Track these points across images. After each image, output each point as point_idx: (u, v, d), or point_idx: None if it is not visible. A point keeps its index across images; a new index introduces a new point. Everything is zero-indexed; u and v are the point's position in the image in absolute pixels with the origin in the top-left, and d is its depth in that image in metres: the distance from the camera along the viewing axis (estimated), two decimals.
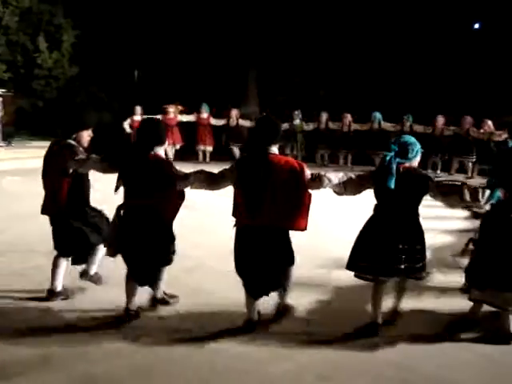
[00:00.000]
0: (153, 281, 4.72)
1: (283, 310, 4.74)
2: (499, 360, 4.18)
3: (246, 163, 4.37)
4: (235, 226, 4.42)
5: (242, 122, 15.56)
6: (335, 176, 4.49)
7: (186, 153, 15.29)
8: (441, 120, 14.05)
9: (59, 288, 5.10)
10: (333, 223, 8.34)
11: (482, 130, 13.09)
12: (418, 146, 4.40)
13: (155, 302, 4.95)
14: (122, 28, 18.37)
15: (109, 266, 5.18)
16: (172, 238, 4.68)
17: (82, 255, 5.12)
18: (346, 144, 15.01)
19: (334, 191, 4.52)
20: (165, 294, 5.00)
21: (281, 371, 3.94)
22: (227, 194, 4.61)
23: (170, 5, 18.23)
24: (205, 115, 15.58)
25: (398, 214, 4.31)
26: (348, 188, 4.47)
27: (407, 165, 4.34)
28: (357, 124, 14.93)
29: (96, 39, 18.33)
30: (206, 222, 8.24)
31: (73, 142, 4.96)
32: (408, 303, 4.88)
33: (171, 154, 14.83)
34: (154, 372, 3.91)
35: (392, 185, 4.17)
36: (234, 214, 4.41)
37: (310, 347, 4.30)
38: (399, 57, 17.95)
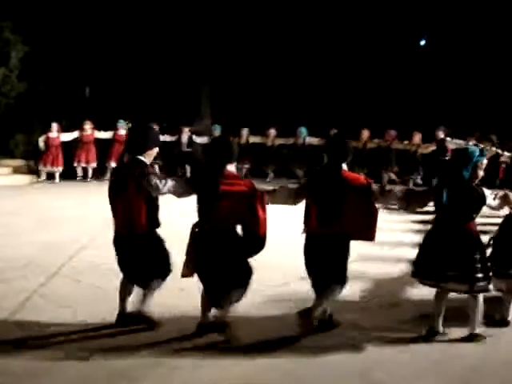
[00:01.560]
0: (225, 302, 4.58)
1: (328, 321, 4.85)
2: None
3: (320, 179, 4.73)
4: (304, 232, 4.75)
5: (195, 138, 15.52)
6: (399, 191, 4.95)
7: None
8: (365, 133, 14.43)
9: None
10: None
11: (406, 142, 13.64)
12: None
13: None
14: (72, 44, 18.09)
15: None
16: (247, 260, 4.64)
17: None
18: (269, 158, 15.10)
19: (399, 205, 4.93)
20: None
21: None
22: None
23: (120, 21, 18.09)
24: (122, 132, 15.12)
25: (453, 225, 4.54)
26: (411, 202, 4.84)
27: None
28: (281, 138, 15.13)
29: (46, 55, 18.00)
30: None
31: (145, 160, 4.78)
32: None
33: (89, 173, 14.70)
34: None
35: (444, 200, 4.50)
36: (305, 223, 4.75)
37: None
38: (344, 72, 18.34)
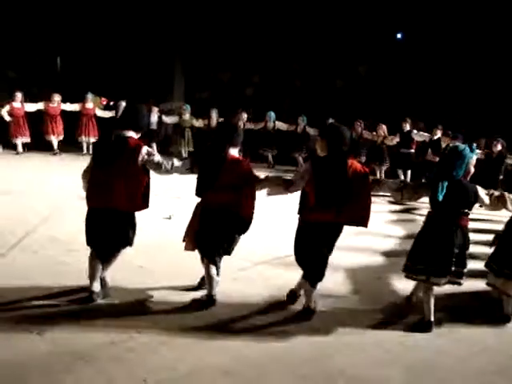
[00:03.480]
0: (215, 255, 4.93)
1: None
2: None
3: (322, 166, 4.77)
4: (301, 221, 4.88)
5: (164, 118, 15.29)
6: (393, 182, 5.17)
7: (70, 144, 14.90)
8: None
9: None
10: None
11: (374, 133, 13.75)
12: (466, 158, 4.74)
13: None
14: (46, 13, 17.73)
15: None
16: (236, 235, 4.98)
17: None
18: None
19: (393, 197, 5.20)
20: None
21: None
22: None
23: None
24: (90, 105, 14.89)
25: (448, 221, 4.69)
26: (405, 195, 4.98)
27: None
28: (251, 123, 15.07)
29: (18, 24, 17.59)
30: None
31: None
32: None
33: (55, 146, 14.48)
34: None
35: (441, 197, 4.62)
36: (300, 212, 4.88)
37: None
38: (313, 61, 18.46)
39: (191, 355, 4.08)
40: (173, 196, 9.56)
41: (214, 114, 14.99)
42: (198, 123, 15.19)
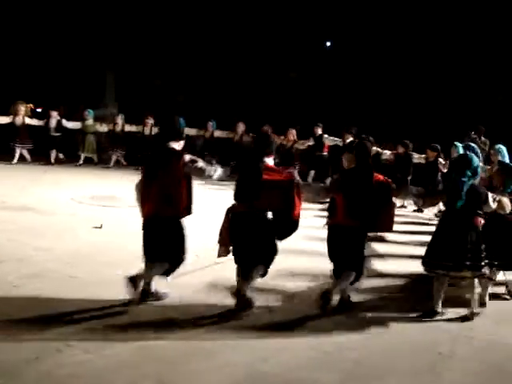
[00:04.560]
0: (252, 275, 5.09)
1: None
2: None
3: (350, 177, 5.26)
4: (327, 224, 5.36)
5: (65, 123, 14.87)
6: (417, 189, 5.61)
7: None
8: (241, 126, 14.78)
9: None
10: None
11: (282, 137, 14.03)
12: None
13: None
14: None
15: None
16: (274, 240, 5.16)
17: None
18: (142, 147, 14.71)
19: (415, 203, 5.84)
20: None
21: None
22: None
23: (26, 1, 17.26)
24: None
25: (463, 221, 5.16)
26: (427, 201, 5.56)
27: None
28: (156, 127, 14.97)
29: None
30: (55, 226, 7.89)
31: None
32: None
33: None
34: None
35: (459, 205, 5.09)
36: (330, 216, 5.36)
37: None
38: (245, 67, 18.69)
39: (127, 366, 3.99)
40: (102, 205, 9.41)
41: (120, 118, 15.01)
42: (102, 128, 15.03)
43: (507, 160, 7.36)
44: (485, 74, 16.41)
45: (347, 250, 5.18)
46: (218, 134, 14.97)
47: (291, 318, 5.03)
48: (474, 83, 16.48)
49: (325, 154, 13.63)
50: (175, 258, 5.11)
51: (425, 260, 5.33)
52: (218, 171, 5.18)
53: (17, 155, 14.32)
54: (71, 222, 8.13)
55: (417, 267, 5.68)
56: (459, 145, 9.70)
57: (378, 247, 6.14)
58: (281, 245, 5.17)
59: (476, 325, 5.15)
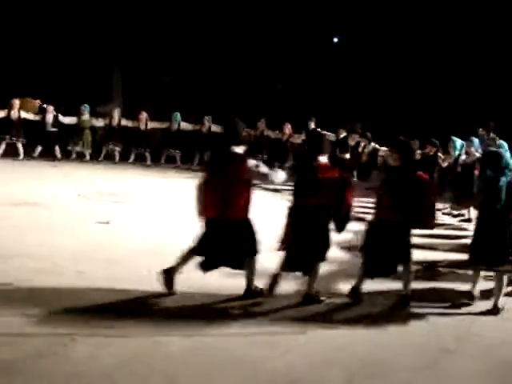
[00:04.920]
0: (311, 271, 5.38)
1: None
2: None
3: (395, 174, 5.44)
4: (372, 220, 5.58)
5: (61, 118, 14.76)
6: (449, 195, 6.03)
7: None
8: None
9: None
10: None
11: (277, 132, 14.71)
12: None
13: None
14: None
15: None
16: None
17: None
18: (138, 141, 15.23)
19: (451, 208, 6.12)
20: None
21: None
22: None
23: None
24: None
25: (501, 217, 5.40)
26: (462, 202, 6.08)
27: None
28: (155, 122, 15.35)
29: None
30: (61, 221, 7.91)
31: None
32: None
33: None
34: None
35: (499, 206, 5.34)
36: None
37: None
38: (253, 65, 18.73)
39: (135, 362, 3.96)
40: (111, 201, 9.42)
41: (117, 112, 15.12)
42: (99, 123, 15.10)
43: (508, 155, 7.35)
44: (492, 69, 16.35)
45: (393, 244, 5.35)
46: (214, 128, 15.11)
47: (300, 314, 5.01)
48: (482, 78, 16.43)
49: None
50: (250, 251, 5.24)
51: (469, 259, 5.62)
52: (280, 175, 5.46)
53: (21, 150, 14.27)
54: (79, 218, 8.13)
55: (421, 257, 5.73)
56: (456, 139, 9.76)
57: None
58: None
59: (485, 322, 5.13)
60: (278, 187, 9.71)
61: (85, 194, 9.89)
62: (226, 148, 5.24)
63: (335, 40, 19.84)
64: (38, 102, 15.83)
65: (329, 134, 13.45)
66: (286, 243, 5.32)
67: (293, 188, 5.41)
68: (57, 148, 14.67)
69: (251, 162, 5.24)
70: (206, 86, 19.08)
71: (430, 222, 5.53)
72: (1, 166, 13.17)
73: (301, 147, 13.87)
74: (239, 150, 5.28)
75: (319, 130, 13.27)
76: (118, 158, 15.13)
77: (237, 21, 17.84)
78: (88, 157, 15.03)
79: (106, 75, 18.64)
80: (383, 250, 5.36)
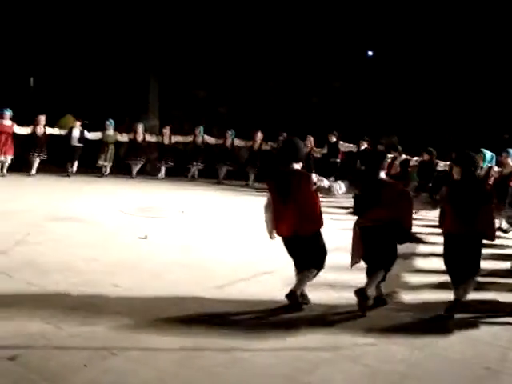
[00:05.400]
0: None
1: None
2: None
3: (458, 188, 5.53)
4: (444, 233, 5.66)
5: (87, 134, 15.01)
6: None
7: None
8: (259, 135, 15.32)
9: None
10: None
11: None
12: None
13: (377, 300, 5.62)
14: (17, 33, 17.62)
15: None
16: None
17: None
18: (162, 156, 15.66)
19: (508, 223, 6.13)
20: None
21: None
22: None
23: (67, 11, 17.66)
24: (8, 122, 14.06)
25: None
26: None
27: None
28: (179, 136, 15.68)
29: None
30: (99, 236, 8.06)
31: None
32: None
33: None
34: None
35: None
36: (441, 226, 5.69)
37: None
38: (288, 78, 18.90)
39: (172, 376, 4.01)
40: (148, 216, 9.56)
41: (140, 127, 15.40)
42: (123, 138, 15.33)
43: None
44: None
45: (463, 256, 5.42)
46: (237, 142, 15.46)
47: (334, 330, 4.97)
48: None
49: (338, 160, 14.16)
50: (319, 263, 5.43)
51: None
52: (342, 188, 5.51)
53: (35, 165, 14.44)
54: (118, 233, 8.29)
55: None
56: (486, 151, 9.75)
57: (423, 248, 6.12)
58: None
59: None
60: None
61: (125, 210, 10.06)
62: (287, 165, 5.41)
63: (369, 53, 19.81)
64: (79, 121, 16.09)
65: (351, 145, 13.58)
66: (357, 259, 5.54)
67: (355, 204, 5.65)
68: (75, 163, 14.82)
69: (315, 178, 5.34)
70: (241, 101, 19.23)
71: (492, 234, 5.54)
72: (38, 181, 13.54)
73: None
74: (298, 166, 5.43)
75: (342, 142, 13.66)
76: (136, 171, 15.31)
77: (272, 36, 17.95)
78: (108, 171, 15.18)
79: (143, 90, 18.91)
80: (458, 262, 5.44)
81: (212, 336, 4.66)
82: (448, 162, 11.17)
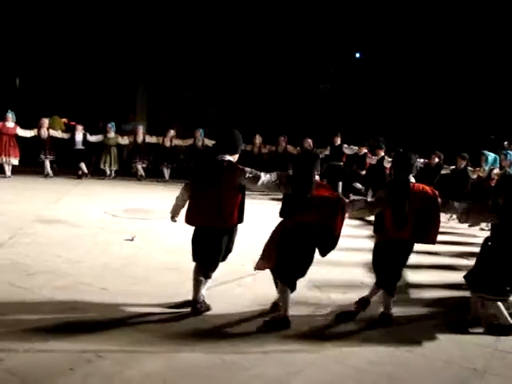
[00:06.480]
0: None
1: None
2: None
3: (393, 189, 5.21)
4: (378, 239, 5.36)
5: (89, 137, 15.11)
6: (460, 205, 5.34)
7: None
8: (258, 138, 15.47)
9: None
10: None
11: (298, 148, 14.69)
12: None
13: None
14: (4, 35, 17.51)
15: None
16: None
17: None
18: (166, 158, 15.72)
19: (458, 219, 5.41)
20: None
21: None
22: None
23: (54, 13, 17.59)
24: (11, 124, 14.29)
25: None
26: (471, 218, 5.33)
27: None
28: (179, 139, 15.75)
29: None
30: (87, 239, 7.99)
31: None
32: None
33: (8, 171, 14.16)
34: None
35: None
36: (376, 231, 5.35)
37: None
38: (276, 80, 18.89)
39: (160, 379, 3.97)
40: (135, 218, 9.50)
41: (141, 130, 15.53)
42: (124, 141, 15.42)
43: None
44: None
45: (393, 262, 5.26)
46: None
47: (319, 332, 4.96)
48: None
49: (341, 163, 13.88)
50: (213, 262, 5.22)
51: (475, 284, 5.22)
52: (268, 182, 5.17)
53: (48, 167, 14.70)
54: (103, 235, 8.22)
55: (451, 278, 5.55)
56: (488, 153, 9.93)
57: (412, 258, 6.06)
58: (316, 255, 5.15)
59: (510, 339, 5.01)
60: None
61: (111, 212, 10.00)
62: (216, 156, 5.16)
63: (357, 55, 19.90)
64: (64, 121, 16.15)
65: (355, 148, 13.49)
66: (266, 263, 5.18)
67: (282, 204, 5.14)
68: (82, 165, 14.98)
69: (241, 170, 5.06)
70: (228, 103, 19.25)
71: (432, 238, 5.19)
72: (29, 183, 13.44)
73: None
74: (231, 158, 5.18)
75: (346, 145, 13.56)
76: (142, 173, 15.46)
77: (259, 38, 17.99)
78: (113, 174, 15.36)
79: (130, 93, 18.88)
80: (388, 265, 5.25)
81: (200, 339, 4.63)
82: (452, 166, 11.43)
